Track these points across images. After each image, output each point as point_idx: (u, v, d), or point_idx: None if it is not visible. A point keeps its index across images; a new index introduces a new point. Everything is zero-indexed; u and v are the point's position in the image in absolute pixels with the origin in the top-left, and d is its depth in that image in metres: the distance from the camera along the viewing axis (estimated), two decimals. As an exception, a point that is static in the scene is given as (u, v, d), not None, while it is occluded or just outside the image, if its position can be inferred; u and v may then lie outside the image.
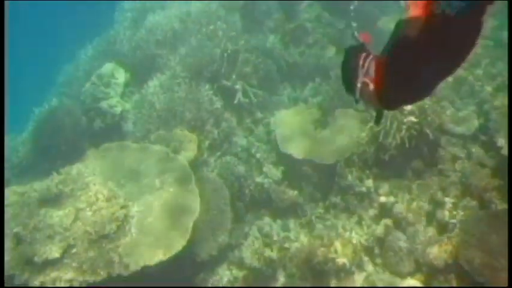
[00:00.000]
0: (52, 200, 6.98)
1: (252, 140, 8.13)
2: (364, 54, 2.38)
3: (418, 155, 6.18)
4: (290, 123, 7.83)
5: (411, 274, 5.36)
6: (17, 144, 9.84)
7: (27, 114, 10.53)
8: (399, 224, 5.76)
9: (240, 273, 6.41)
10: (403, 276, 5.38)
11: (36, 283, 6.21)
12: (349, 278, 5.54)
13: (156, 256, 6.14)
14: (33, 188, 7.19)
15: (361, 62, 2.36)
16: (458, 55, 2.24)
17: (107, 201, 6.82)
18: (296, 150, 7.33)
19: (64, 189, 7.06)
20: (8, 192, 7.26)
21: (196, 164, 7.65)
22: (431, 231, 5.48)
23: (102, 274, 6.08)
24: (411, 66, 2.22)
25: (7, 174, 9.26)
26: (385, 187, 6.21)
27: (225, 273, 6.54)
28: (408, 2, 2.23)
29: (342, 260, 5.64)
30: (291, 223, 6.81)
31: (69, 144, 8.82)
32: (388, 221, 5.82)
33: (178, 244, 6.30)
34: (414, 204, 5.78)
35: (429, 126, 6.07)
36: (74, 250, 6.42)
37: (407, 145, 6.11)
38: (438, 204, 5.66)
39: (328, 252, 5.67)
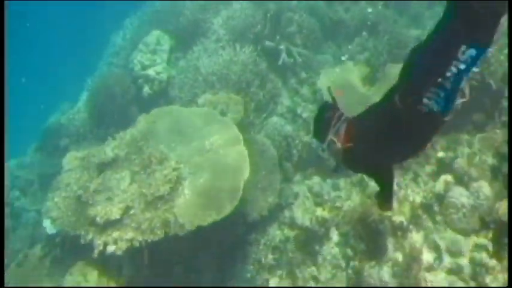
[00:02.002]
0: (109, 164, 6.84)
1: (298, 100, 7.57)
2: (338, 113, 2.50)
3: (479, 107, 5.43)
4: (337, 82, 7.19)
5: (476, 232, 4.76)
6: (72, 112, 9.82)
7: (81, 85, 10.52)
8: (460, 179, 5.10)
9: (291, 233, 6.02)
10: (467, 233, 4.79)
11: (100, 242, 6.14)
12: (406, 236, 5.02)
13: (210, 217, 5.86)
14: (92, 153, 7.09)
15: (333, 122, 2.46)
16: (418, 145, 2.35)
17: (160, 163, 6.57)
18: (344, 108, 6.68)
19: (119, 153, 6.88)
20: (68, 157, 7.20)
21: (243, 126, 7.23)
22: (497, 186, 4.79)
23: (160, 234, 5.89)
24: (374, 142, 2.32)
25: (65, 141, 9.30)
26: (442, 142, 5.53)
27: (276, 233, 6.17)
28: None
29: (398, 218, 5.11)
30: (341, 182, 6.29)
31: (121, 112, 8.67)
32: (447, 177, 5.18)
33: (230, 205, 5.99)
34: (476, 158, 5.09)
35: (492, 76, 5.28)
36: (132, 211, 6.27)
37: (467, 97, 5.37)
38: (504, 158, 4.94)
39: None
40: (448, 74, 2.08)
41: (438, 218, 5.08)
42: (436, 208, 5.17)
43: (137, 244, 5.94)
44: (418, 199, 5.35)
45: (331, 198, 5.97)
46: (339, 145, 2.43)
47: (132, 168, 6.67)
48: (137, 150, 6.86)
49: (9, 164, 10.70)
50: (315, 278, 5.40)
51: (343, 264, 5.23)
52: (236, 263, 6.35)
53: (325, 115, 2.56)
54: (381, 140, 2.31)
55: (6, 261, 7.81)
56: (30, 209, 9.31)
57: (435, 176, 5.49)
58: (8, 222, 8.79)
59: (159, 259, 6.24)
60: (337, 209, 5.77)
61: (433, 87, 2.10)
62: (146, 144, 6.90)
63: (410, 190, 5.48)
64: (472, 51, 2.06)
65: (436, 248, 4.79)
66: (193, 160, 6.74)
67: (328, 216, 5.67)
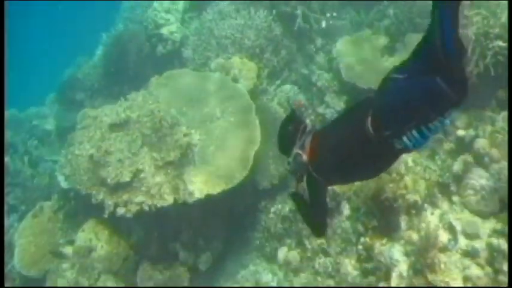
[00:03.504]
0: (121, 125, 6.50)
1: (313, 67, 7.00)
2: (302, 126, 2.38)
3: (505, 84, 4.89)
4: (354, 50, 6.58)
5: (495, 214, 4.36)
6: (88, 67, 9.49)
7: (98, 38, 10.04)
8: (481, 160, 4.64)
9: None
10: (485, 216, 4.39)
11: (110, 203, 5.89)
12: (420, 215, 4.65)
13: (219, 185, 5.55)
14: (104, 112, 6.76)
15: (298, 135, 2.36)
16: (377, 171, 2.30)
17: (171, 128, 6.19)
18: (361, 79, 6.15)
19: (131, 115, 6.51)
20: (82, 114, 6.95)
21: (255, 93, 6.76)
22: (521, 168, 4.35)
23: (169, 200, 5.62)
24: (335, 159, 2.24)
25: (80, 96, 8.90)
26: (463, 119, 5.04)
27: (286, 203, 5.85)
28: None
29: (413, 197, 4.72)
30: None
31: (135, 69, 8.30)
32: (467, 157, 4.73)
33: (240, 174, 5.67)
34: (499, 137, 4.61)
35: (521, 52, 4.70)
36: (142, 175, 5.96)
37: (492, 73, 4.83)
38: (530, 139, 4.46)
39: (397, 188, 4.75)
40: (430, 124, 1.95)
41: (455, 198, 4.67)
42: (453, 188, 4.75)
43: (146, 208, 5.69)
44: (435, 177, 4.93)
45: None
46: (304, 157, 2.31)
47: (143, 131, 6.30)
48: (149, 112, 6.46)
49: (28, 112, 10.69)
50: (324, 251, 5.11)
51: (354, 239, 4.91)
52: (245, 230, 6.10)
53: (289, 128, 2.44)
54: (342, 159, 2.21)
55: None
56: (48, 159, 9.24)
57: (454, 154, 5.04)
58: (26, 170, 8.69)
59: (168, 224, 6.00)
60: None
61: (412, 129, 1.96)
62: (157, 107, 6.48)
63: (427, 168, 5.07)
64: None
65: (451, 229, 4.41)
66: (204, 126, 6.35)
67: (339, 190, 5.29)
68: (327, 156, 2.26)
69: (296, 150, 2.34)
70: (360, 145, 2.12)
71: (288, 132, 2.43)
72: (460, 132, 4.93)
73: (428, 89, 1.91)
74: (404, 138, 1.97)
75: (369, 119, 2.06)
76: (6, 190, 8.20)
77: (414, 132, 1.95)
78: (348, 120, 2.31)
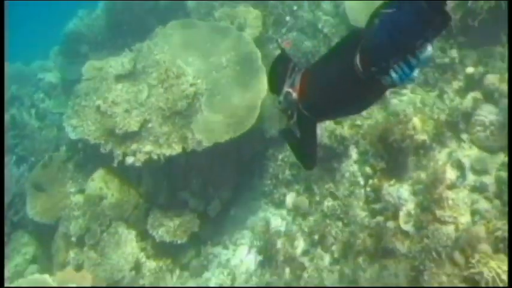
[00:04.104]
0: (127, 76, 6.40)
1: (319, 13, 6.74)
2: (292, 65, 2.36)
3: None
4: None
5: (503, 149, 4.27)
6: (91, 20, 9.25)
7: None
8: (490, 96, 4.49)
9: (309, 150, 5.58)
10: (493, 152, 4.32)
11: (119, 153, 5.87)
12: (429, 155, 4.59)
13: (227, 134, 5.48)
14: (110, 64, 6.63)
15: (288, 73, 2.34)
16: (363, 107, 2.29)
17: (177, 78, 6.06)
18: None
19: (137, 65, 6.40)
20: (87, 66, 6.79)
21: (261, 41, 6.56)
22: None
23: (177, 149, 5.57)
24: (325, 97, 2.23)
25: (84, 48, 8.78)
26: (472, 56, 4.87)
27: (294, 149, 5.78)
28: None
29: (421, 137, 4.64)
30: (363, 100, 5.74)
31: (138, 22, 8.01)
32: (476, 94, 4.60)
33: (248, 122, 5.58)
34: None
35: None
36: (150, 125, 5.90)
37: (504, 7, 4.61)
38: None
39: (405, 129, 4.66)
40: (417, 51, 1.89)
41: (463, 136, 4.59)
42: (461, 126, 4.65)
43: (155, 157, 5.67)
44: (443, 117, 4.83)
45: (350, 116, 5.46)
46: (295, 95, 2.30)
47: (149, 81, 6.18)
48: (154, 63, 6.32)
49: (34, 66, 10.54)
50: (332, 195, 5.09)
51: (362, 182, 4.89)
52: (253, 177, 6.08)
53: (279, 68, 2.41)
54: (331, 96, 2.20)
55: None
56: (55, 112, 9.17)
57: (462, 92, 4.91)
58: (33, 123, 8.72)
59: (177, 173, 5.99)
60: (357, 127, 5.29)
61: (399, 62, 1.91)
62: (163, 57, 6.33)
63: (435, 107, 4.96)
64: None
65: (459, 166, 4.36)
66: (210, 76, 6.21)
67: (347, 133, 5.21)
68: (316, 94, 2.26)
69: (286, 88, 2.32)
70: (349, 82, 2.10)
71: (278, 71, 2.41)
72: (469, 70, 4.78)
73: (412, 13, 1.88)
74: (392, 73, 1.93)
75: (358, 55, 2.03)
76: (14, 141, 8.23)
77: (401, 64, 1.90)
78: (336, 57, 2.27)
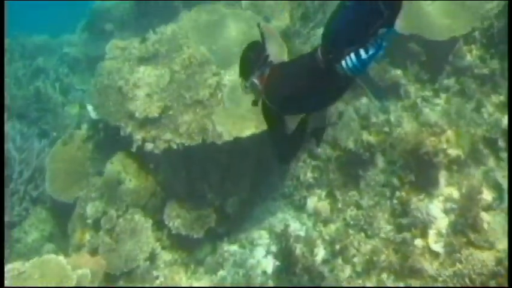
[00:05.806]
0: (149, 58, 5.98)
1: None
2: (264, 55, 2.29)
3: None
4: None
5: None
6: None
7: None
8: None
9: (333, 153, 5.14)
10: (537, 177, 3.87)
11: (139, 138, 5.56)
12: (463, 171, 4.14)
13: (248, 129, 5.08)
14: (133, 44, 6.22)
15: (259, 63, 2.29)
16: (326, 101, 2.28)
17: (200, 66, 5.65)
18: (401, 23, 5.32)
19: (160, 49, 5.98)
20: (111, 45, 6.42)
21: (288, 35, 6.06)
22: None
23: (197, 139, 5.22)
24: (289, 90, 2.19)
25: (109, 26, 8.46)
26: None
27: (317, 151, 5.35)
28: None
29: (455, 152, 4.19)
30: (392, 105, 5.25)
31: (165, 3, 7.40)
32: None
33: (270, 118, 5.15)
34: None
35: None
36: (171, 112, 5.55)
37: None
38: None
39: (438, 142, 4.21)
40: (368, 44, 1.93)
41: (503, 154, 4.12)
42: (500, 144, 4.18)
43: (174, 146, 5.34)
44: (480, 132, 4.35)
45: (379, 122, 4.99)
46: (260, 87, 2.31)
47: (172, 66, 5.78)
48: (178, 48, 5.89)
49: (60, 40, 10.27)
50: (356, 204, 4.71)
51: (388, 193, 4.48)
52: (273, 176, 5.70)
53: (251, 55, 2.35)
54: (293, 87, 2.19)
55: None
56: (78, 88, 8.95)
57: (503, 107, 4.40)
58: (57, 97, 8.44)
59: (196, 164, 5.66)
60: (385, 134, 4.83)
61: (351, 52, 1.92)
62: (187, 43, 5.89)
63: (472, 121, 4.46)
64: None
65: (496, 187, 3.93)
66: (233, 67, 5.76)
67: (374, 141, 4.76)
68: (279, 84, 2.24)
69: (253, 78, 2.31)
70: (310, 72, 2.10)
71: (250, 58, 2.34)
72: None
73: (365, 6, 1.93)
74: (343, 62, 1.93)
75: (320, 47, 2.07)
76: (38, 114, 7.98)
77: (352, 55, 1.90)
78: (304, 55, 2.30)
